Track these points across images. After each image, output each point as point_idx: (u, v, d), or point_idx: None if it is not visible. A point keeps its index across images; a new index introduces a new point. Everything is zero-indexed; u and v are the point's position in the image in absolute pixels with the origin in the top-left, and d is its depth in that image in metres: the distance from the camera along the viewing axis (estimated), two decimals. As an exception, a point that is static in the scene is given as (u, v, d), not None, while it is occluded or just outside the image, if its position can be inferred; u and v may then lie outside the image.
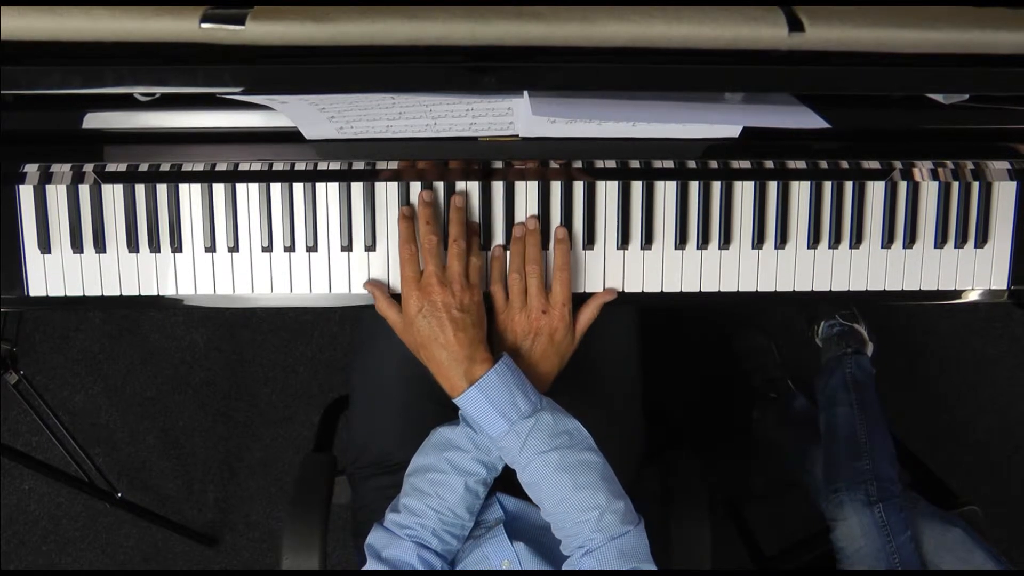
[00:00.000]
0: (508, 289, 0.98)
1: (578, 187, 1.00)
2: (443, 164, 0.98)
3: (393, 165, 0.98)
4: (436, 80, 0.80)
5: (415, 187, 0.99)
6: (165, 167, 0.96)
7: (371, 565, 0.92)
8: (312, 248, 1.00)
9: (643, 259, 1.02)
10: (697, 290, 1.02)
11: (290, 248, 0.99)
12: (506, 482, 0.96)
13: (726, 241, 1.01)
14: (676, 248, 1.02)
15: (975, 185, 1.03)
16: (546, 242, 1.00)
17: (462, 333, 0.92)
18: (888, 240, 1.02)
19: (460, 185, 0.99)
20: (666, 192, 1.01)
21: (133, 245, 0.98)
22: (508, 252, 0.99)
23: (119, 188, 0.97)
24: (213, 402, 1.90)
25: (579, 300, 1.00)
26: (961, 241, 1.03)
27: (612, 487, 0.90)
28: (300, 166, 0.97)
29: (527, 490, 0.93)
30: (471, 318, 0.94)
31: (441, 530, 0.93)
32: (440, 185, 0.99)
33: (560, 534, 0.91)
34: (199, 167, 0.97)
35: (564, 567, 0.90)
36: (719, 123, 0.91)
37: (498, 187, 1.00)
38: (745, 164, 1.00)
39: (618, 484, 0.92)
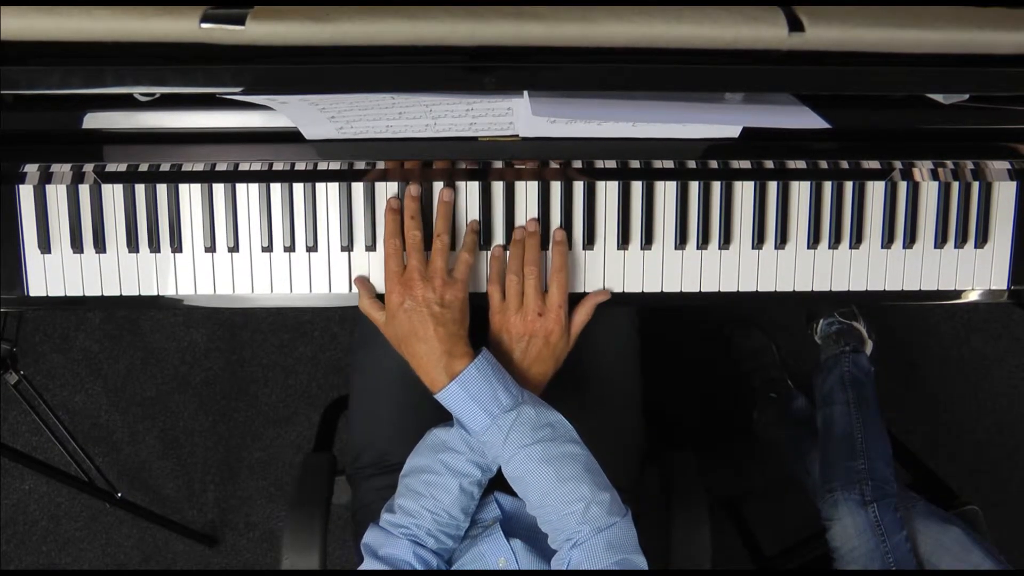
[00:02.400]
0: (505, 290, 0.98)
1: (578, 187, 1.00)
2: (447, 164, 0.98)
3: (391, 165, 0.98)
4: (436, 80, 0.80)
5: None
6: (165, 167, 0.96)
7: (368, 564, 0.92)
8: (312, 248, 1.00)
9: (643, 259, 1.02)
10: (697, 290, 1.02)
11: (290, 248, 0.99)
12: (503, 481, 0.96)
13: (726, 241, 1.01)
14: (676, 248, 1.02)
15: (975, 185, 1.03)
16: (545, 243, 1.00)
17: (442, 328, 0.92)
18: (888, 240, 1.02)
19: (460, 185, 0.99)
20: (666, 192, 1.01)
21: (133, 245, 0.98)
22: (507, 253, 0.99)
23: (119, 188, 0.97)
24: (213, 402, 1.90)
25: (578, 301, 1.00)
26: (961, 241, 1.03)
27: (597, 478, 0.90)
28: (300, 166, 0.97)
29: (512, 484, 0.93)
30: (452, 314, 0.94)
31: (436, 530, 0.93)
32: (439, 185, 0.99)
33: (547, 528, 0.91)
34: (199, 167, 0.97)
35: (553, 561, 0.90)
36: (719, 123, 0.91)
37: (498, 187, 1.00)
38: (745, 164, 1.00)
39: (603, 476, 0.91)
